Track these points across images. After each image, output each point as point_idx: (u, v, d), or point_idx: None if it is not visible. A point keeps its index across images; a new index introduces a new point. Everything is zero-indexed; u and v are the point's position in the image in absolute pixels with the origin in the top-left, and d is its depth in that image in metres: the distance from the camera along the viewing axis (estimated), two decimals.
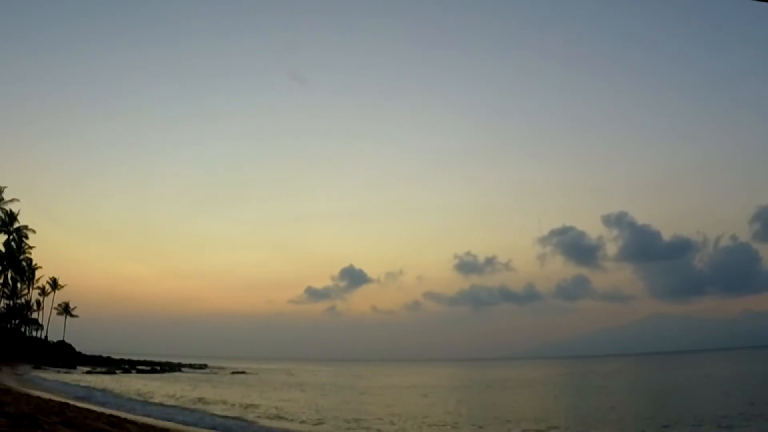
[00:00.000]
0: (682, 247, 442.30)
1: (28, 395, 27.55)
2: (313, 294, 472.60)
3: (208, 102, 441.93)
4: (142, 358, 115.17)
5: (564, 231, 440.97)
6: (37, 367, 73.46)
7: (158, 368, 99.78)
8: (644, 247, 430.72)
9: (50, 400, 26.40)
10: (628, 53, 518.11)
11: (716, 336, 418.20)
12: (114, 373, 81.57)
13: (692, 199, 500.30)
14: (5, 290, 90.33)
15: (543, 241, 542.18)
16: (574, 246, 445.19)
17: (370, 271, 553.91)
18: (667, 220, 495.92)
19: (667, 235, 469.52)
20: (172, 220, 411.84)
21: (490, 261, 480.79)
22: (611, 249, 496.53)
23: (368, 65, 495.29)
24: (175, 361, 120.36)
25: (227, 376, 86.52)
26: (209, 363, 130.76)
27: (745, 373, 74.78)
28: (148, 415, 27.41)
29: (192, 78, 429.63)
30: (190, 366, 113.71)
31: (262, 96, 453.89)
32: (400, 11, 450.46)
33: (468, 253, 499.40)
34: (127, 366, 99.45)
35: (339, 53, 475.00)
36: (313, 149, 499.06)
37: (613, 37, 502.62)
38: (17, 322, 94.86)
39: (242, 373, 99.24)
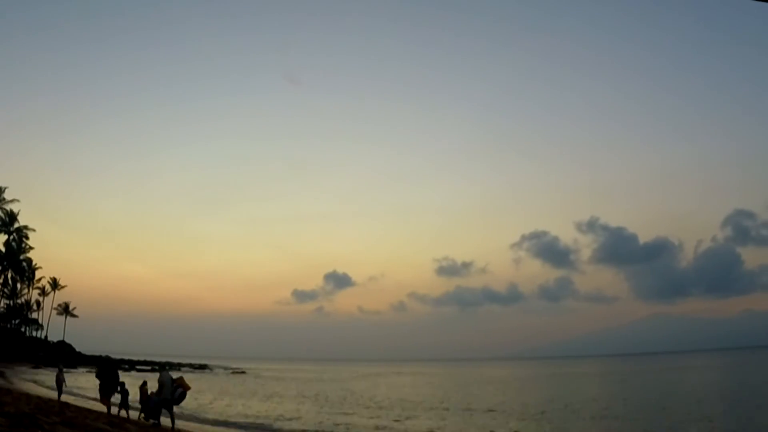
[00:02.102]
0: (659, 250, 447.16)
1: (27, 395, 27.48)
2: (301, 295, 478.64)
3: (205, 103, 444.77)
4: (141, 358, 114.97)
5: (537, 235, 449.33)
6: (36, 367, 73.34)
7: (158, 368, 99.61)
8: (622, 249, 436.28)
9: (50, 400, 26.33)
10: (607, 59, 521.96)
11: (710, 336, 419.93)
12: None
13: (665, 203, 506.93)
14: (5, 290, 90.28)
15: (517, 245, 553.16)
16: (549, 250, 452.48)
17: (354, 274, 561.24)
18: (640, 224, 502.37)
19: (642, 238, 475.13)
20: (171, 220, 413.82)
21: (467, 265, 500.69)
22: (588, 252, 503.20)
23: (362, 67, 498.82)
24: (175, 360, 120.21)
25: (247, 376, 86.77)
26: (201, 362, 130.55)
27: (724, 374, 74.71)
28: None
29: (190, 80, 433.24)
30: (190, 366, 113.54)
31: (258, 97, 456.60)
32: (395, 13, 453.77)
33: (446, 258, 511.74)
34: (127, 366, 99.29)
35: (333, 55, 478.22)
36: (306, 150, 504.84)
37: (594, 40, 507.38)
38: (17, 322, 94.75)
39: (242, 372, 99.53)
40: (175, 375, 21.24)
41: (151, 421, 20.15)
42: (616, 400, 42.35)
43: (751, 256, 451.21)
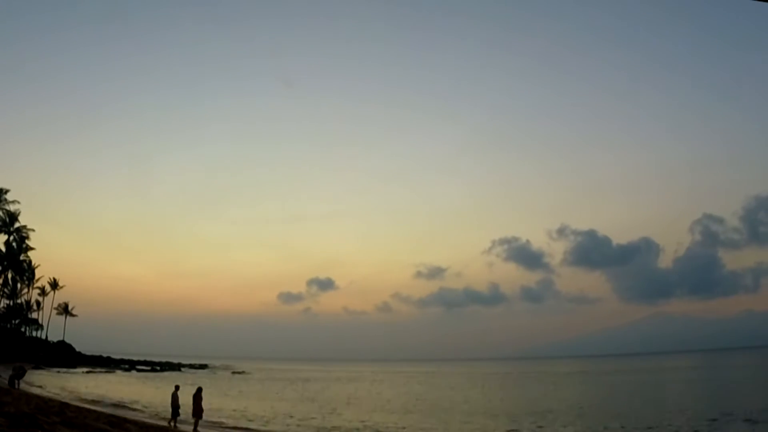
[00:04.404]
0: (632, 252, 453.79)
1: (27, 395, 27.53)
2: (287, 297, 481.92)
3: (202, 106, 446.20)
4: (141, 358, 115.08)
5: (508, 240, 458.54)
6: (36, 367, 73.30)
7: (158, 368, 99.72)
8: (596, 252, 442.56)
9: (50, 400, 26.37)
10: (579, 65, 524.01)
11: (700, 336, 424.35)
12: (113, 372, 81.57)
13: (635, 207, 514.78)
14: (5, 290, 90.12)
15: (490, 251, 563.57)
16: (523, 254, 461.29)
17: (337, 276, 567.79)
18: (611, 227, 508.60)
19: (617, 241, 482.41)
20: (169, 220, 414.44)
21: (442, 270, 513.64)
22: (565, 256, 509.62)
23: (355, 70, 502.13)
24: (175, 360, 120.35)
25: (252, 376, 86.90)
26: (201, 362, 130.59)
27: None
28: None
29: (186, 83, 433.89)
30: (191, 366, 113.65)
31: (253, 100, 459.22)
32: (389, 17, 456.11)
33: (422, 263, 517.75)
34: (127, 366, 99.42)
35: (327, 58, 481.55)
36: (299, 153, 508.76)
37: (565, 44, 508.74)
38: (17, 322, 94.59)
39: (242, 373, 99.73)
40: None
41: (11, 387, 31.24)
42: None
43: (728, 259, 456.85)
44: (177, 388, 24.05)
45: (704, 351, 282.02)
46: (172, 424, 23.22)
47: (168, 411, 24.63)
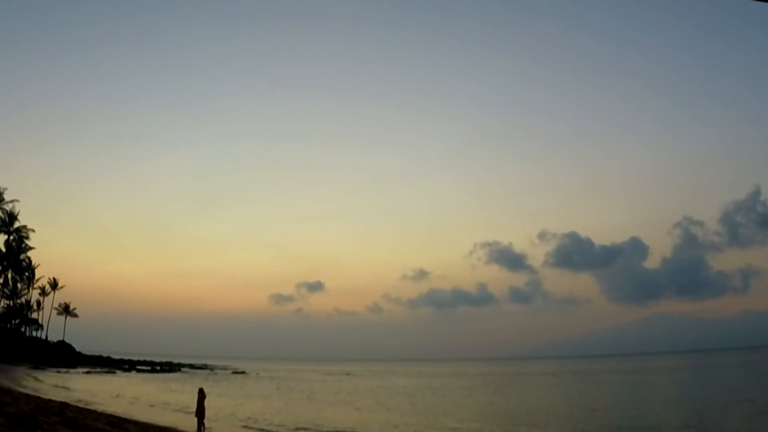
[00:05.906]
0: (615, 254, 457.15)
1: (27, 395, 27.49)
2: (279, 298, 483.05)
3: (200, 107, 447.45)
4: (141, 358, 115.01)
5: (489, 244, 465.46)
6: (36, 367, 73.22)
7: (158, 368, 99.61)
8: (581, 254, 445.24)
9: (50, 400, 26.33)
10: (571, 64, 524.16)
11: (691, 337, 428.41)
12: (114, 373, 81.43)
13: (620, 209, 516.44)
14: (5, 290, 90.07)
15: (475, 254, 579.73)
16: (507, 257, 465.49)
17: (326, 278, 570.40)
18: (596, 229, 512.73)
19: (599, 243, 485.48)
20: (168, 220, 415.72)
21: (426, 273, 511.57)
22: (549, 258, 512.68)
23: (350, 71, 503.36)
24: (175, 360, 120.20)
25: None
26: (190, 361, 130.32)
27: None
28: None
29: (184, 84, 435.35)
30: (191, 366, 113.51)
31: (249, 101, 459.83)
32: (384, 17, 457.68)
33: (407, 266, 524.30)
34: (127, 366, 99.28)
35: (322, 58, 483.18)
36: (294, 153, 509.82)
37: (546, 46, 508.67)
38: (17, 322, 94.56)
39: (243, 373, 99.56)
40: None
41: None
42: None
43: (711, 261, 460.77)
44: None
45: (704, 351, 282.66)
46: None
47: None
